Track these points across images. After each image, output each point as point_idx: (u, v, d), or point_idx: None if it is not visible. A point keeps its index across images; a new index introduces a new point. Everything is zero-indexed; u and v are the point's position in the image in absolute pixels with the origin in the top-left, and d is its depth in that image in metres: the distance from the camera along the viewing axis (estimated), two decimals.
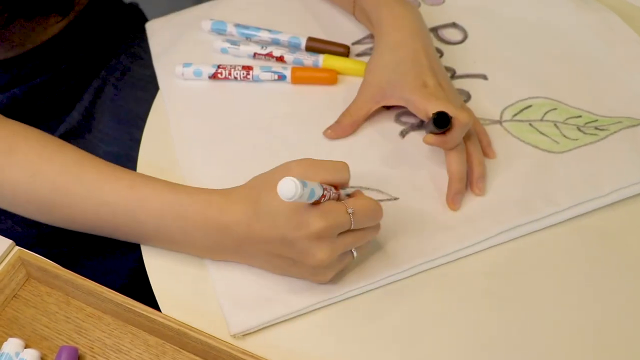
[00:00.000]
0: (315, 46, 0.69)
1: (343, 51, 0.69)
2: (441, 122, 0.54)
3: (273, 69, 0.67)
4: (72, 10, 0.68)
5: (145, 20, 0.86)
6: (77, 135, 0.73)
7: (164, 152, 0.64)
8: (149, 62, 0.73)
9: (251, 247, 0.51)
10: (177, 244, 0.54)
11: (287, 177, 0.42)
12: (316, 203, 0.47)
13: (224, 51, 0.70)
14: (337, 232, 0.48)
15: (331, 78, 0.67)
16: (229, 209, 0.51)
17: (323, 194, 0.46)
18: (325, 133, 0.63)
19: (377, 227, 0.52)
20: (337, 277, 0.53)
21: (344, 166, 0.50)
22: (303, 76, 0.67)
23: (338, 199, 0.50)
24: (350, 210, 0.48)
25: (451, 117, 0.54)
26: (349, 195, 0.51)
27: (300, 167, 0.49)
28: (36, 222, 0.57)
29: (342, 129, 0.63)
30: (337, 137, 0.63)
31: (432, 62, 0.61)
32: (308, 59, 0.68)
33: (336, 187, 0.50)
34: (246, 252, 0.52)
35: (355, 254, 0.51)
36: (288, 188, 0.42)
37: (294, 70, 0.67)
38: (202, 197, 0.52)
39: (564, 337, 0.50)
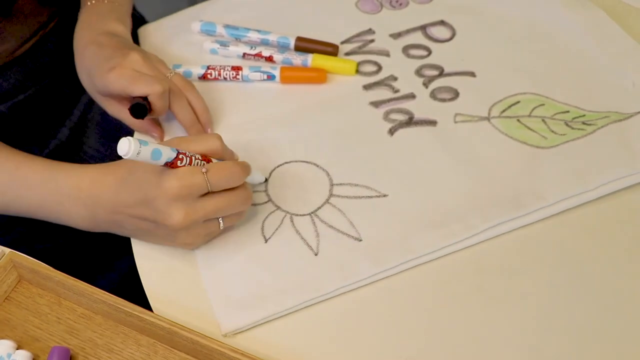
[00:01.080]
0: (304, 46, 0.70)
1: (332, 50, 0.69)
2: (140, 112, 0.59)
3: (262, 69, 0.67)
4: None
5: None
6: (67, 151, 0.73)
7: None
8: None
9: (121, 215, 0.53)
10: (58, 217, 0.57)
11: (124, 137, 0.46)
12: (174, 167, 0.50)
13: (213, 52, 0.71)
14: (195, 193, 0.50)
15: (320, 77, 0.67)
16: (101, 180, 0.54)
17: (178, 157, 0.49)
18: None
19: (243, 197, 0.53)
20: (326, 274, 0.53)
21: (213, 136, 0.52)
22: (292, 76, 0.68)
23: None
24: (204, 170, 0.49)
25: (147, 104, 0.59)
26: None
27: (173, 142, 0.52)
28: (30, 238, 0.58)
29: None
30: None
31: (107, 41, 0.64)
32: (297, 59, 0.68)
33: (207, 158, 0.52)
34: (118, 221, 0.54)
35: (222, 223, 0.53)
36: (122, 144, 0.46)
37: (282, 70, 0.67)
38: (76, 171, 0.56)
39: (553, 331, 0.51)
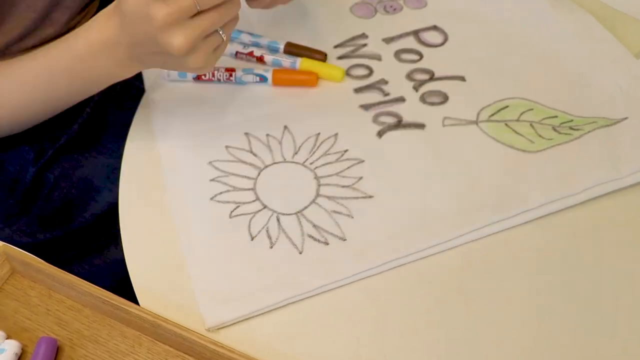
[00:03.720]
0: (293, 51, 0.71)
1: (320, 57, 0.70)
2: None
3: (255, 71, 0.69)
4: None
5: None
6: (78, 146, 0.74)
7: (148, 160, 0.65)
8: None
9: (136, 51, 0.54)
10: (93, 80, 0.58)
11: None
12: None
13: None
14: (186, 15, 0.50)
15: (312, 80, 0.68)
16: (106, 25, 0.54)
17: None
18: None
19: (233, 2, 0.52)
20: (310, 272, 0.54)
21: None
22: (284, 78, 0.69)
23: None
24: None
25: None
26: None
27: None
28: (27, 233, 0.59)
29: None
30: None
31: None
32: (287, 61, 0.70)
33: None
34: (138, 57, 0.55)
35: (223, 35, 0.53)
36: None
37: (275, 72, 0.69)
38: (82, 30, 0.56)
39: (534, 333, 0.51)
